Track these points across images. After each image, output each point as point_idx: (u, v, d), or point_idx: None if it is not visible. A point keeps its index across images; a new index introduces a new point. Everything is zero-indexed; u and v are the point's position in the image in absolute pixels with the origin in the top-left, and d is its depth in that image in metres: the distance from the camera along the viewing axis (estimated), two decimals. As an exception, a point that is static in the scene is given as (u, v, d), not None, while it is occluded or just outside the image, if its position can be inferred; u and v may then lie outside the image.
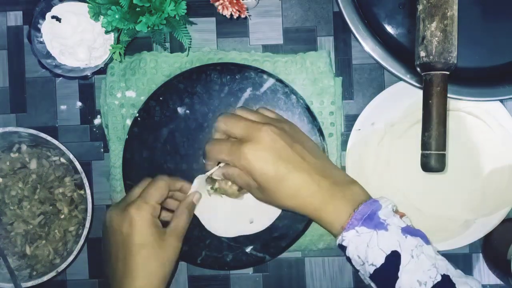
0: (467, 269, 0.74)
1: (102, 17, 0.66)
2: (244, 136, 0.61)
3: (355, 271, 0.61)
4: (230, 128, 0.63)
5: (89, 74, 0.71)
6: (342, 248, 0.59)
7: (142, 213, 0.62)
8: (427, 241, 0.59)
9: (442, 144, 0.59)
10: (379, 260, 0.57)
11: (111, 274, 0.63)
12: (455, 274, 0.57)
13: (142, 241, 0.61)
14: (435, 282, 0.56)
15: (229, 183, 0.66)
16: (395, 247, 0.57)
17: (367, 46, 0.66)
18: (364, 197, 0.61)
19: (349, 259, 0.60)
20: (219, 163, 0.65)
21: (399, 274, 0.56)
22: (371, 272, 0.58)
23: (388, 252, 0.57)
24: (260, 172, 0.60)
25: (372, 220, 0.58)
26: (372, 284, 0.59)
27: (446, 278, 0.56)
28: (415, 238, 0.58)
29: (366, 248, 0.57)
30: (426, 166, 0.59)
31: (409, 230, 0.58)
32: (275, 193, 0.60)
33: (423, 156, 0.59)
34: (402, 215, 0.60)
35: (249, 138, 0.61)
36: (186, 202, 0.67)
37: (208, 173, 0.66)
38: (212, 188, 0.68)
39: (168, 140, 0.72)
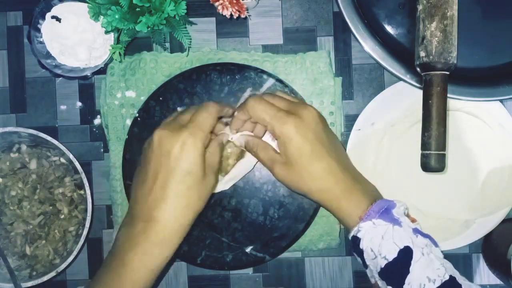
0: (467, 269, 0.74)
1: (102, 17, 0.66)
2: (290, 109, 0.63)
3: (364, 267, 0.61)
4: (276, 102, 0.64)
5: (89, 74, 0.71)
6: (355, 240, 0.60)
7: (195, 140, 0.58)
8: (435, 244, 0.60)
9: (442, 144, 0.59)
10: (392, 254, 0.58)
11: (143, 194, 0.59)
12: (461, 278, 0.59)
13: (189, 169, 0.58)
14: (443, 280, 0.57)
15: (229, 159, 0.67)
16: (408, 243, 0.58)
17: (367, 46, 0.66)
18: (379, 195, 0.63)
19: (360, 253, 0.60)
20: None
21: (410, 268, 0.57)
22: (382, 266, 0.58)
23: (402, 247, 0.58)
24: (298, 145, 0.60)
25: (388, 214, 0.59)
26: (380, 283, 0.60)
27: (453, 279, 0.58)
28: (425, 238, 0.59)
29: (381, 241, 0.58)
30: (426, 166, 0.59)
31: (419, 231, 0.60)
32: (303, 171, 0.61)
33: (423, 156, 0.59)
34: (413, 220, 0.61)
35: (295, 113, 0.62)
36: (219, 140, 0.65)
37: (230, 137, 0.66)
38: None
39: (168, 140, 0.72)
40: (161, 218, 0.57)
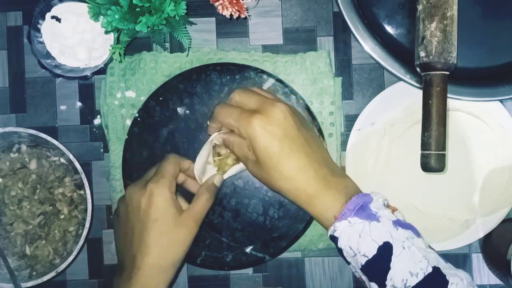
0: (467, 269, 0.74)
1: (102, 17, 0.66)
2: (257, 108, 0.61)
3: (347, 263, 0.61)
4: (244, 100, 0.63)
5: (89, 74, 0.71)
6: (334, 239, 0.59)
7: (160, 187, 0.61)
8: (417, 234, 0.59)
9: (442, 144, 0.59)
10: (371, 251, 0.57)
11: (126, 249, 0.63)
12: (445, 266, 0.58)
13: (157, 217, 0.61)
14: (426, 273, 0.56)
15: (229, 159, 0.67)
16: (387, 238, 0.57)
17: (367, 46, 0.66)
18: (356, 190, 0.61)
19: (340, 251, 0.59)
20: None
21: (391, 264, 0.56)
22: (363, 263, 0.57)
23: (380, 243, 0.57)
24: (264, 145, 0.59)
25: (364, 211, 0.58)
26: (364, 277, 0.59)
27: (436, 270, 0.57)
28: (406, 230, 0.58)
29: (358, 239, 0.57)
30: (426, 166, 0.59)
31: (400, 223, 0.58)
32: (272, 170, 0.60)
33: (423, 156, 0.59)
34: (394, 210, 0.60)
35: (261, 111, 0.61)
36: (207, 184, 0.66)
37: (210, 139, 0.66)
38: (219, 154, 0.67)
39: (168, 140, 0.72)
40: (141, 266, 0.61)
